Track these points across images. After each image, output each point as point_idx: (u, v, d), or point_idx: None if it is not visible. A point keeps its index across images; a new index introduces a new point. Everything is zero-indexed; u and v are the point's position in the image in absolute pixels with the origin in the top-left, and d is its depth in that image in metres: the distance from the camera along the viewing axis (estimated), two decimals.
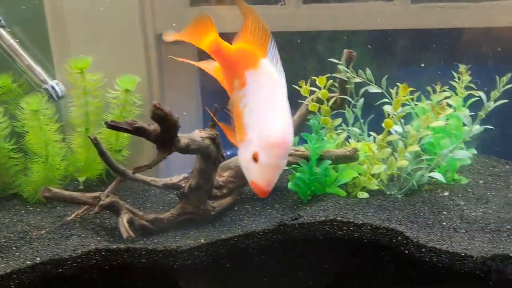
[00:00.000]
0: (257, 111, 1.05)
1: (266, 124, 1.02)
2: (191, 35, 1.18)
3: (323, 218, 1.19)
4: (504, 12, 1.89)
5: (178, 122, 1.22)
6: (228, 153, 1.57)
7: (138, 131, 1.22)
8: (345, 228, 1.18)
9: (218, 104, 2.18)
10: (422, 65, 2.00)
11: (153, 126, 1.23)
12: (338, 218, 1.18)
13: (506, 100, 1.41)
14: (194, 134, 1.42)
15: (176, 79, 2.09)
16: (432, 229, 1.34)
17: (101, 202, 1.41)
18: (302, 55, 2.06)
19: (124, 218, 1.42)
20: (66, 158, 1.65)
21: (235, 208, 1.62)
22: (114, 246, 1.20)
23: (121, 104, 1.67)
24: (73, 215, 1.47)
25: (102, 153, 1.43)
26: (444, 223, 1.37)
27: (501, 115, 1.54)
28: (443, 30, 1.98)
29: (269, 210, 1.57)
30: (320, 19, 2.01)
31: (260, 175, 1.00)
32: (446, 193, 1.53)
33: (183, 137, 1.33)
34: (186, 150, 1.34)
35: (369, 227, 1.18)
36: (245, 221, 1.55)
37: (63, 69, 1.67)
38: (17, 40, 1.69)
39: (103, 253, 1.18)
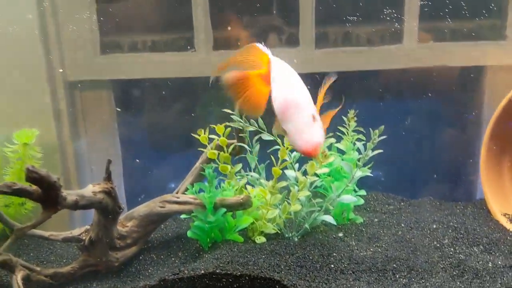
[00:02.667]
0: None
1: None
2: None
3: (202, 272, 1.22)
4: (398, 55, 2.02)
5: (57, 182, 1.23)
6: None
7: (18, 193, 1.23)
8: (224, 280, 1.21)
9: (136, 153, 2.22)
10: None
11: (35, 187, 1.24)
12: (217, 271, 1.22)
13: (381, 150, 1.51)
14: (86, 189, 1.43)
15: (93, 129, 2.11)
16: (319, 272, 1.39)
17: None
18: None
19: (18, 276, 1.41)
20: None
21: (141, 257, 1.63)
22: None
23: (20, 158, 1.67)
24: None
25: None
26: (332, 265, 1.42)
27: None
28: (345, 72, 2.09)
29: (173, 259, 1.59)
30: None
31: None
32: (340, 234, 1.60)
33: (71, 194, 1.34)
34: (75, 206, 1.35)
35: (247, 278, 1.22)
36: (149, 270, 1.56)
37: None
38: None
39: None
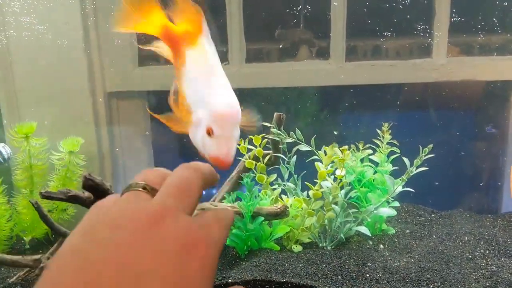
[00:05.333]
0: (200, 88, 1.04)
1: (212, 98, 1.01)
2: (134, 21, 1.07)
3: (245, 279, 1.27)
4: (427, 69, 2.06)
5: (109, 190, 1.30)
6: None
7: (72, 199, 1.30)
8: (267, 287, 1.26)
9: (168, 160, 2.29)
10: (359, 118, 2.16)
11: (87, 194, 1.31)
12: (258, 278, 1.27)
13: (426, 168, 1.55)
14: None
15: (128, 138, 2.18)
16: (355, 281, 1.43)
17: (42, 265, 1.47)
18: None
19: None
20: (12, 219, 1.70)
21: None
22: None
23: (65, 165, 1.75)
24: (15, 277, 1.51)
25: (43, 216, 1.49)
26: (368, 275, 1.46)
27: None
28: (375, 86, 2.14)
29: None
30: (262, 77, 2.15)
31: (218, 148, 1.01)
32: (371, 243, 1.63)
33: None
34: None
35: (289, 285, 1.26)
36: None
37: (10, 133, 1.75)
38: None
39: None
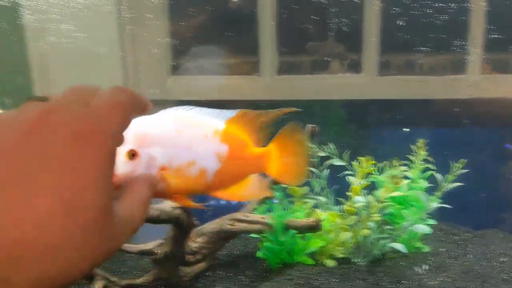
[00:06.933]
0: None
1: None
2: None
3: None
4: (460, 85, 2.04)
5: None
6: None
7: None
8: None
9: None
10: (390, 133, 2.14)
11: None
12: None
13: (461, 184, 1.52)
14: (165, 204, 1.49)
15: None
16: None
17: None
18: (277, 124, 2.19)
19: (96, 285, 1.48)
20: None
21: (208, 274, 1.68)
22: None
23: None
24: None
25: None
26: None
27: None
28: (408, 100, 2.12)
29: (240, 277, 1.62)
30: (293, 90, 2.15)
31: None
32: (416, 264, 1.60)
33: (154, 209, 1.41)
34: (157, 220, 1.42)
35: None
36: (217, 287, 1.61)
37: None
38: (5, 110, 1.79)
39: None
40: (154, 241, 1.72)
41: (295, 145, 0.92)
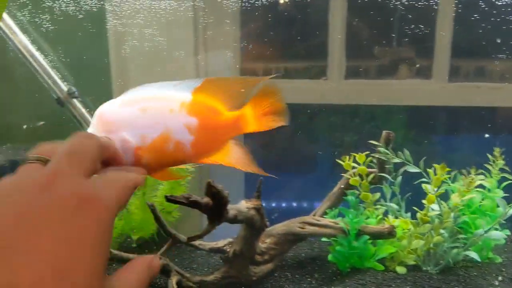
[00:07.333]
0: None
1: None
2: None
3: None
4: None
5: (227, 198, 1.35)
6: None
7: (192, 205, 1.36)
8: None
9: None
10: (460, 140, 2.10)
11: (206, 199, 1.36)
12: None
13: None
14: (240, 205, 1.54)
15: None
16: None
17: None
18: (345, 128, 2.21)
19: (173, 280, 1.54)
20: (122, 218, 1.81)
21: (276, 274, 1.71)
22: None
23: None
24: None
25: (157, 218, 1.57)
26: None
27: None
28: (479, 108, 2.07)
29: (309, 279, 1.65)
30: (360, 94, 2.15)
31: None
32: (489, 275, 1.57)
33: (232, 209, 1.45)
34: (234, 220, 1.46)
35: None
36: None
37: None
38: (88, 110, 1.90)
39: None
40: (224, 240, 1.78)
41: (271, 104, 0.94)
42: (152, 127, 0.87)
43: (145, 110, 0.87)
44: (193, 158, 0.92)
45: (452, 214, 1.53)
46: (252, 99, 0.94)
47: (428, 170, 1.55)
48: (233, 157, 0.96)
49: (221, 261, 1.72)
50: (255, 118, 0.95)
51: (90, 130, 0.92)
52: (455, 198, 1.49)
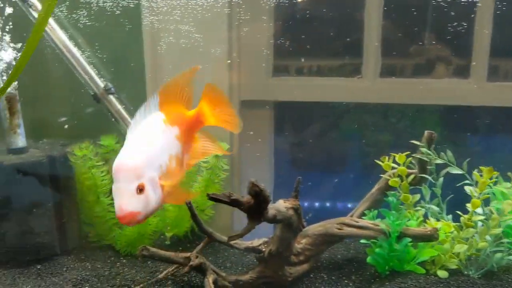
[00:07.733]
0: None
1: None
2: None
3: None
4: None
5: (269, 197, 1.33)
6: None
7: (233, 203, 1.34)
8: None
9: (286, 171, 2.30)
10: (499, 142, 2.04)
11: (246, 198, 1.34)
12: None
13: None
14: (279, 204, 1.51)
15: (252, 147, 2.22)
16: None
17: (191, 263, 1.52)
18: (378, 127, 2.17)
19: (210, 279, 1.53)
20: (157, 215, 1.80)
21: (311, 275, 1.68)
22: None
23: (210, 168, 1.81)
24: (164, 273, 1.59)
25: (194, 216, 1.56)
26: None
27: None
28: None
29: (346, 281, 1.61)
30: (395, 93, 2.10)
31: (115, 203, 1.03)
32: None
33: (271, 208, 1.43)
34: (273, 220, 1.44)
35: None
36: None
37: None
38: (124, 106, 1.89)
39: None
40: (259, 239, 1.76)
41: (218, 99, 1.21)
42: (162, 154, 1.06)
43: (151, 142, 1.05)
44: (189, 163, 1.13)
45: (499, 220, 1.49)
46: (202, 97, 1.18)
47: (473, 172, 1.51)
48: (206, 145, 1.23)
49: (255, 260, 1.71)
50: (211, 112, 1.20)
51: (121, 185, 1.01)
52: (507, 207, 1.44)
